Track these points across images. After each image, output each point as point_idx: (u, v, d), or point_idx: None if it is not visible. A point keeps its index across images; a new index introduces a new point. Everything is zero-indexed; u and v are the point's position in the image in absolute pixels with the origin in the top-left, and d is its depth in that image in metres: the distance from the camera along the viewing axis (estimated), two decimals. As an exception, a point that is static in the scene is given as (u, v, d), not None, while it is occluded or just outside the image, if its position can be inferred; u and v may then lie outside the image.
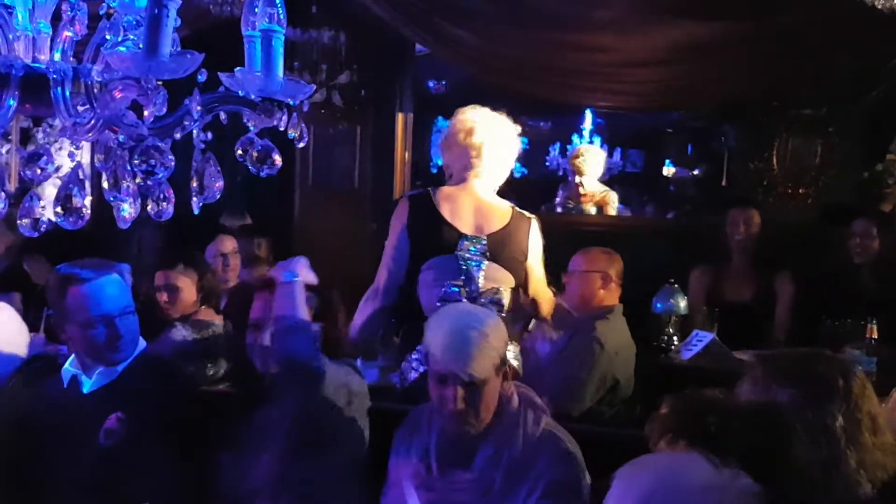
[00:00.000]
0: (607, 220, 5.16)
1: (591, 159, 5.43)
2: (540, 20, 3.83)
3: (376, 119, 4.86)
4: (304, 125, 1.36)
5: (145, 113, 1.19)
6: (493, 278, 2.78)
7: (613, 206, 5.51)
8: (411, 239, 2.81)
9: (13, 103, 1.14)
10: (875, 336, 3.34)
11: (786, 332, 3.83)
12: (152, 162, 1.18)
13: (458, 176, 2.90)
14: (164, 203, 1.27)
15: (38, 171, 1.17)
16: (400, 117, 4.88)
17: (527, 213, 2.92)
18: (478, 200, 2.84)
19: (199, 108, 1.24)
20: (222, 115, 1.31)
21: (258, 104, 1.29)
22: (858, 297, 3.74)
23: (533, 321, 3.15)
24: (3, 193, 1.22)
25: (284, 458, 2.26)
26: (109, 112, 1.18)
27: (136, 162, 1.18)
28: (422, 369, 2.61)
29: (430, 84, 6.82)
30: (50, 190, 1.25)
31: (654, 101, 4.27)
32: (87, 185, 1.22)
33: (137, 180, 1.23)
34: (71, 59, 1.26)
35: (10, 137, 1.27)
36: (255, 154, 1.32)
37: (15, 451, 2.37)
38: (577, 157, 5.47)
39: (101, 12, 1.23)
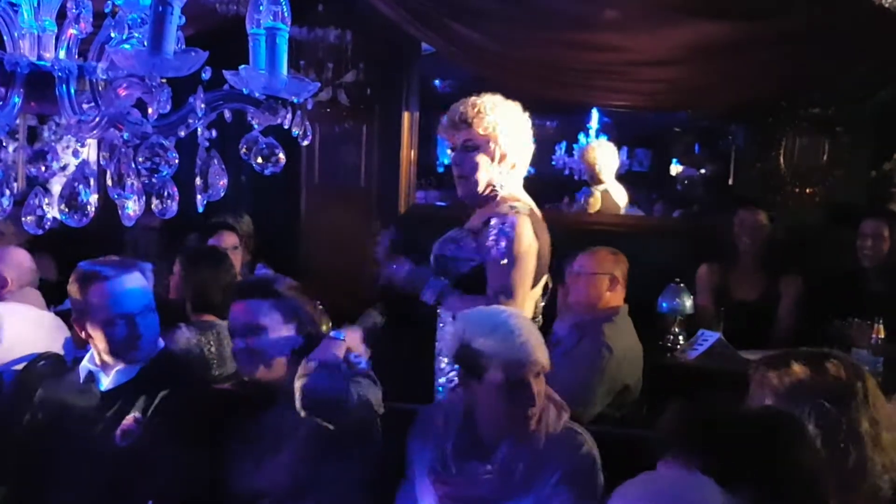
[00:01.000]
0: (612, 220, 5.14)
1: (604, 153, 5.40)
2: (548, 19, 3.82)
3: (382, 118, 4.85)
4: (308, 123, 1.36)
5: (150, 111, 1.19)
6: None
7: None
8: None
9: (18, 101, 1.15)
10: (882, 336, 3.33)
11: (792, 332, 3.81)
12: (157, 159, 1.19)
13: None
14: (169, 200, 1.28)
15: (43, 169, 1.18)
16: (406, 116, 4.87)
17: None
18: None
19: (203, 105, 1.24)
20: (227, 113, 1.32)
21: (262, 102, 1.30)
22: (866, 297, 3.73)
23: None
24: (8, 191, 1.22)
25: (299, 462, 2.24)
26: (114, 110, 1.18)
27: (141, 159, 1.19)
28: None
29: (437, 83, 6.81)
30: (57, 188, 1.25)
31: (665, 100, 4.24)
32: (93, 182, 1.22)
33: (142, 178, 1.24)
34: (76, 56, 1.27)
35: (16, 136, 1.27)
36: (259, 151, 1.33)
37: (27, 447, 2.37)
38: (590, 151, 5.44)
39: (106, 10, 1.24)
